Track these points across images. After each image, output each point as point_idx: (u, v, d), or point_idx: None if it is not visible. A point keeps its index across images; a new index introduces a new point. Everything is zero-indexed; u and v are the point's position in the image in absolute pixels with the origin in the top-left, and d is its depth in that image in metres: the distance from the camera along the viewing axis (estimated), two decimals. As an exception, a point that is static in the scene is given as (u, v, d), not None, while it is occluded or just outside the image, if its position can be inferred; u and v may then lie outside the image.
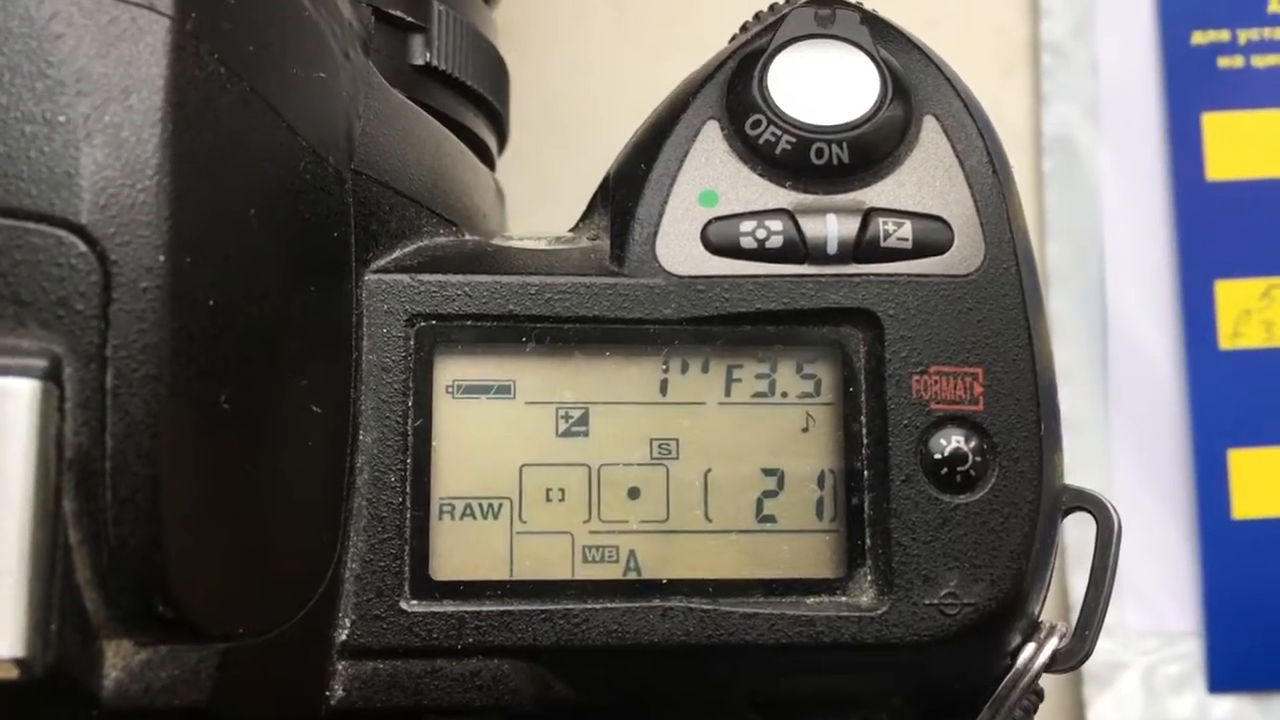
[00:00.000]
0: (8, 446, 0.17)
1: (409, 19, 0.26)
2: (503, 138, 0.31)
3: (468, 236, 0.25)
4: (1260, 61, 0.42)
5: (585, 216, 0.25)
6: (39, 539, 0.17)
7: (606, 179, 0.25)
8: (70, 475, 0.18)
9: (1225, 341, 0.41)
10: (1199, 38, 0.42)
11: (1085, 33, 0.42)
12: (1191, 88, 0.42)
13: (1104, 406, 0.41)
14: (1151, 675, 0.40)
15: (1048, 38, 0.42)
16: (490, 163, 0.30)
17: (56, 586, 0.17)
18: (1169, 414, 0.41)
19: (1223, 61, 0.42)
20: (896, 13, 0.26)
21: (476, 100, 0.28)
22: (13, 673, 0.17)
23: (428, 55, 0.26)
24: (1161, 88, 0.42)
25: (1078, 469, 0.41)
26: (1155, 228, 0.42)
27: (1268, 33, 0.42)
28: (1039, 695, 0.24)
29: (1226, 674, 0.40)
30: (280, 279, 0.20)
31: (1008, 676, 0.23)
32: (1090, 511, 0.24)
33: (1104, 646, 0.40)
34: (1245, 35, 0.42)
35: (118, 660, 0.18)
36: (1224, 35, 0.42)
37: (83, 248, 0.18)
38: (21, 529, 0.17)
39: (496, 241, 0.24)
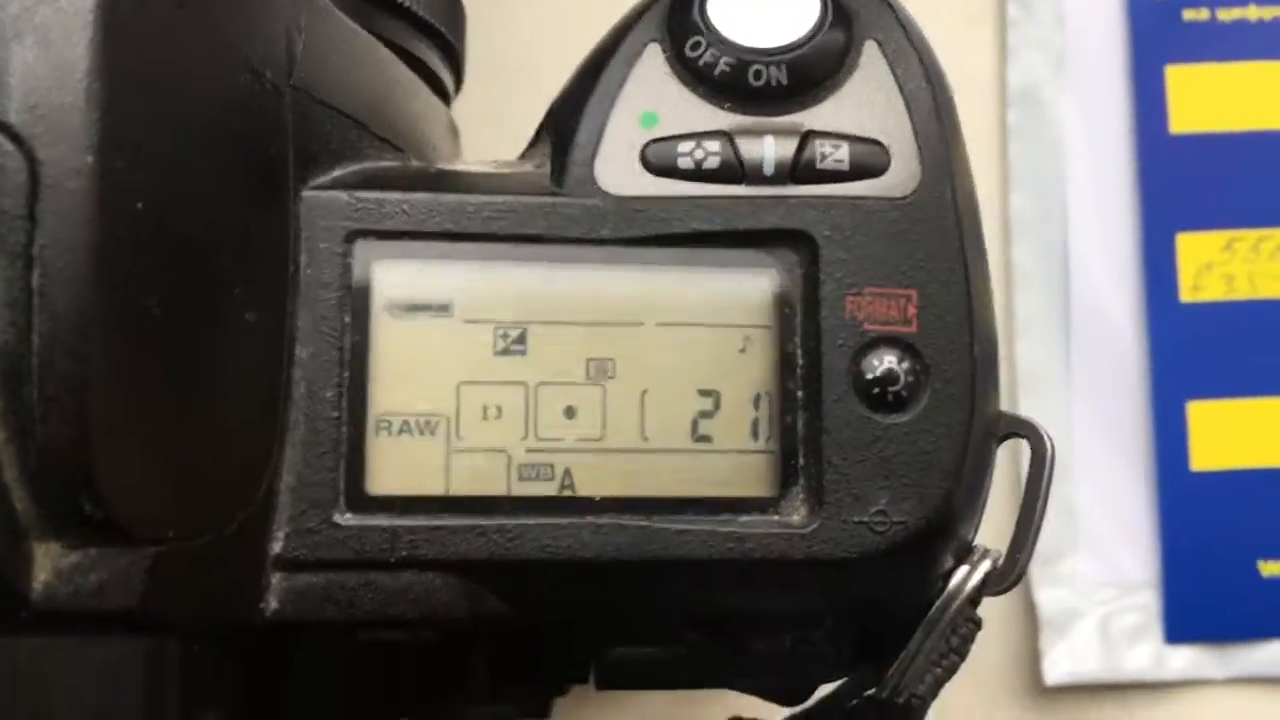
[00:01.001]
0: (-68, 341, 0.17)
1: (359, -54, 0.27)
2: (459, 74, 0.31)
3: (413, 162, 0.25)
4: (1225, 15, 0.42)
5: (531, 144, 0.25)
6: (-36, 436, 0.17)
7: (551, 107, 0.25)
8: None
9: (1186, 294, 0.41)
10: (1164, -10, 0.42)
11: (1051, -16, 0.42)
12: (1156, 40, 0.42)
13: (1065, 358, 0.42)
14: (1108, 625, 0.41)
15: (1014, -11, 0.42)
16: (445, 97, 0.30)
17: None
18: (1129, 366, 0.41)
19: (1188, 14, 0.42)
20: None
21: (430, 32, 0.29)
22: (-62, 568, 0.17)
23: (379, -16, 0.27)
24: (1126, 40, 0.42)
25: (1038, 419, 0.41)
26: (1118, 180, 0.42)
27: (1232, -14, 0.42)
28: (976, 623, 0.25)
29: (1183, 624, 0.41)
30: (214, 189, 0.20)
31: (941, 597, 0.23)
32: (1024, 436, 0.24)
33: (1060, 596, 0.41)
34: (1210, -12, 0.42)
35: (46, 562, 0.19)
36: (1189, -12, 0.42)
37: (10, 146, 0.18)
38: (-54, 425, 0.17)
39: (441, 165, 0.25)
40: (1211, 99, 0.42)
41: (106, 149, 0.18)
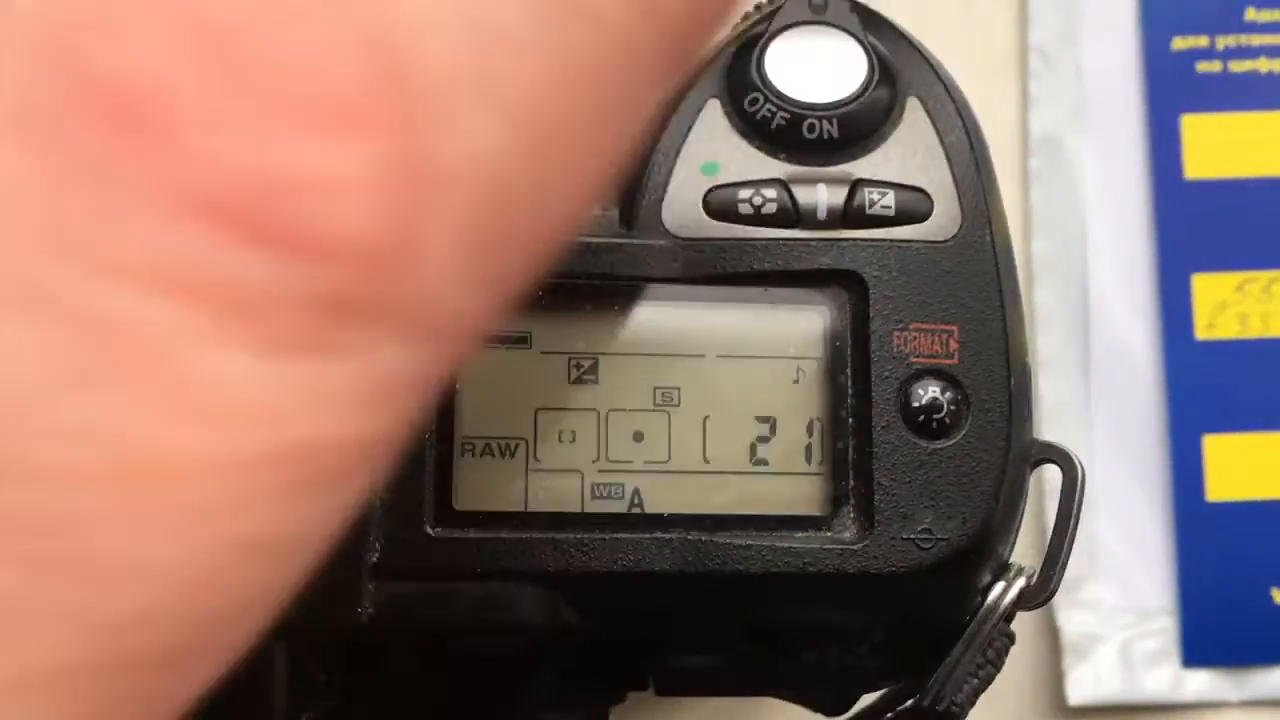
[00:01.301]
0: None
1: None
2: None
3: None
4: (1237, 66, 0.44)
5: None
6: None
7: (617, 155, 0.27)
8: None
9: (1201, 332, 0.43)
10: (1179, 43, 0.44)
11: (1071, 38, 0.45)
12: (1171, 91, 0.44)
13: (1086, 394, 0.44)
14: (1128, 649, 0.42)
15: (1035, 42, 0.45)
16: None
17: None
18: (1147, 401, 0.43)
19: (1201, 66, 0.44)
20: (893, 16, 0.28)
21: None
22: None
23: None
24: (1143, 91, 0.44)
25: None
26: (1136, 224, 0.44)
27: (1244, 39, 0.44)
28: (1010, 638, 0.27)
29: (1200, 649, 0.42)
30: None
31: (979, 611, 0.25)
32: (1057, 462, 0.26)
33: (1083, 620, 0.42)
34: (1223, 41, 0.44)
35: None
36: (1203, 41, 0.44)
37: None
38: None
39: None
40: (1224, 147, 0.44)
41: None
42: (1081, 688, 0.42)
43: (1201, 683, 0.42)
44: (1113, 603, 0.43)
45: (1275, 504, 0.43)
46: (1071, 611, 0.42)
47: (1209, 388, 0.43)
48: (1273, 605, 0.42)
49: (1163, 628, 0.42)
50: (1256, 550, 0.42)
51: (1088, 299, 0.44)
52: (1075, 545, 0.42)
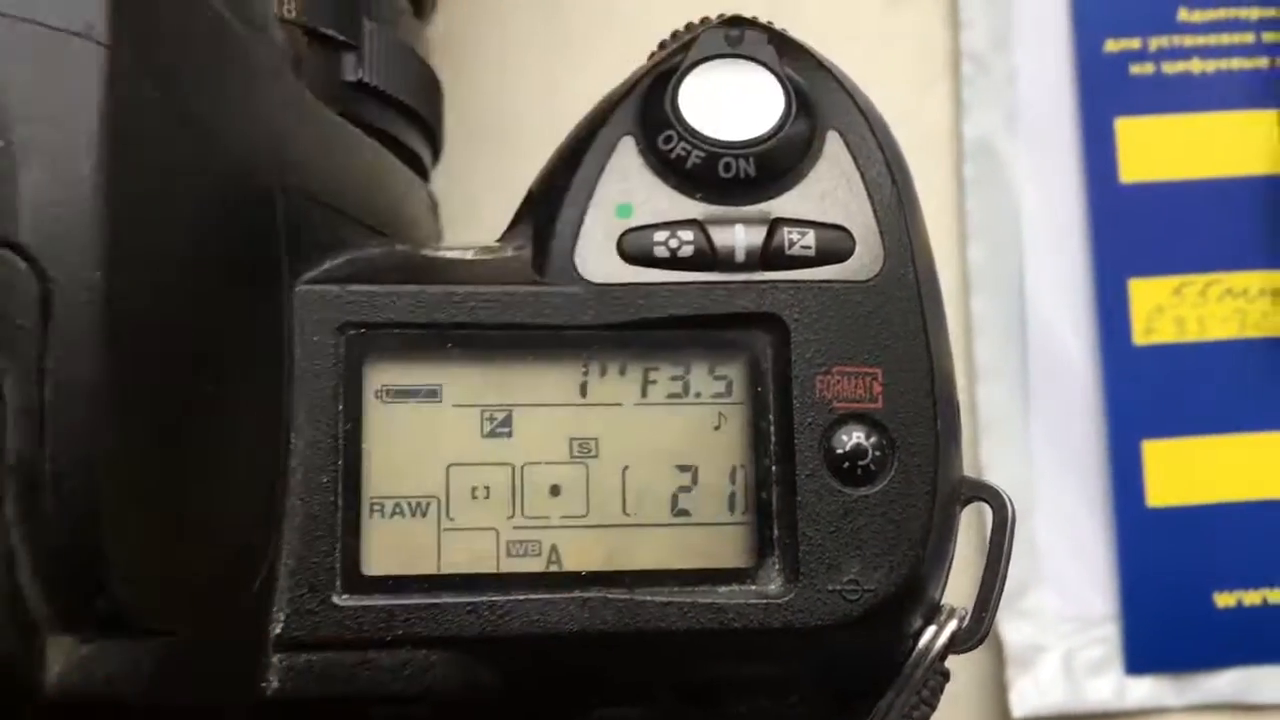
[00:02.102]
0: (-47, 454, 0.18)
1: (340, 37, 0.28)
2: (436, 150, 0.32)
3: (398, 246, 0.26)
4: (1170, 68, 0.44)
5: (511, 227, 0.26)
6: (-18, 540, 0.18)
7: (530, 192, 0.26)
8: (13, 481, 0.19)
9: (1139, 337, 0.43)
10: (1111, 45, 0.44)
11: (1003, 43, 0.44)
12: (1105, 94, 0.44)
13: (1024, 401, 0.43)
14: (1071, 658, 0.42)
15: (967, 48, 0.44)
16: (424, 174, 0.31)
17: (2, 586, 0.18)
18: (1086, 407, 0.43)
19: (1134, 69, 0.44)
20: (821, 25, 0.27)
21: (409, 114, 0.30)
22: (-40, 667, 0.18)
23: (360, 72, 0.28)
24: (1076, 95, 0.44)
25: (999, 461, 0.42)
26: (1072, 229, 0.43)
27: (1176, 40, 0.44)
28: (945, 675, 0.26)
29: (1143, 656, 0.42)
30: (214, 292, 0.21)
31: (911, 656, 0.25)
32: (986, 500, 0.25)
33: (1025, 630, 0.42)
34: (1155, 43, 0.44)
35: (59, 655, 0.19)
36: (1135, 43, 0.44)
37: (22, 265, 0.19)
38: (-34, 531, 0.18)
39: (425, 252, 0.26)
40: (1159, 149, 0.43)
41: (113, 264, 0.19)
42: (1025, 700, 0.42)
43: (1145, 690, 0.42)
44: (1055, 611, 0.42)
45: (1215, 508, 0.42)
46: (1014, 621, 0.42)
47: (1147, 393, 0.43)
48: (1215, 610, 0.42)
49: (1105, 635, 0.42)
50: (1197, 555, 0.42)
51: (1025, 305, 0.43)
52: (1017, 555, 0.42)
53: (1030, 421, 0.43)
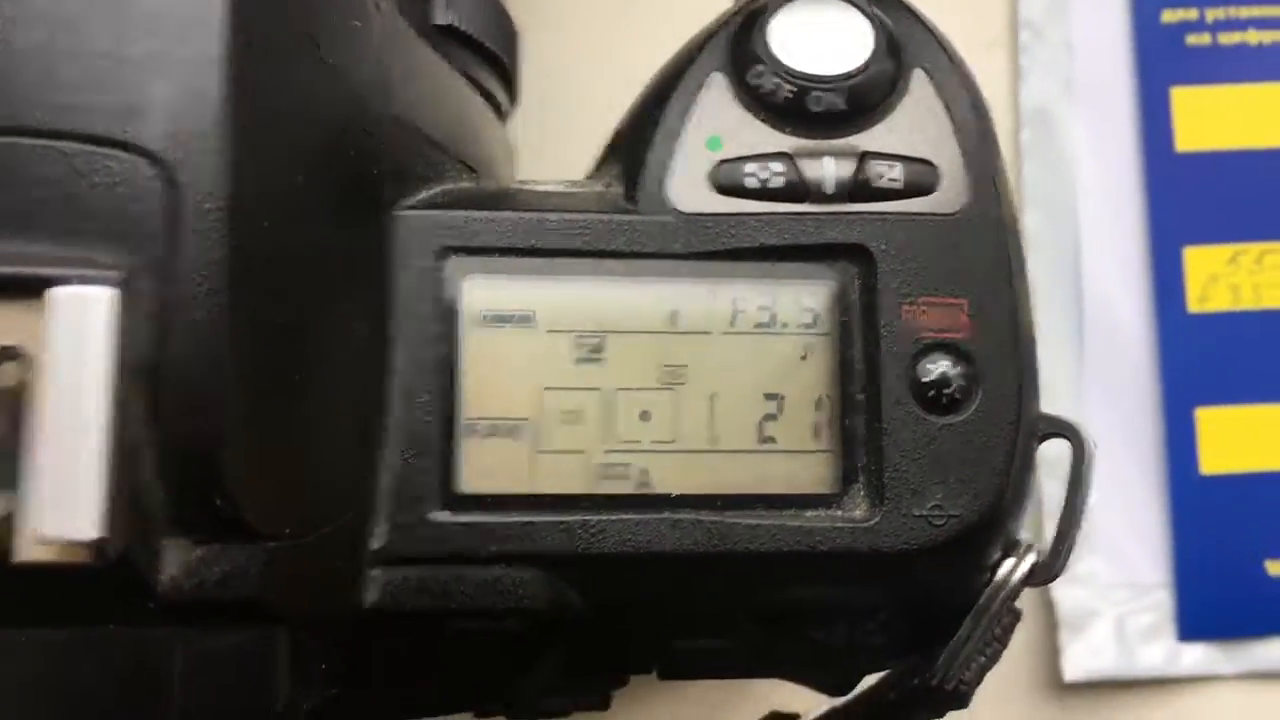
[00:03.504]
0: (86, 350, 0.18)
1: (432, -19, 0.28)
2: (514, 97, 0.33)
3: (486, 183, 0.26)
4: (1226, 39, 0.44)
5: (599, 166, 0.27)
6: (112, 437, 0.19)
7: (618, 131, 0.26)
8: (139, 379, 0.19)
9: (1194, 305, 0.43)
10: (1168, 16, 0.44)
11: (1060, 12, 0.44)
12: (1161, 64, 0.44)
13: (1078, 367, 0.43)
14: (1123, 624, 0.42)
15: (1025, 15, 0.44)
16: (502, 118, 0.32)
17: (126, 481, 0.19)
18: (1140, 374, 0.43)
19: (1191, 39, 0.44)
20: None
21: (491, 59, 0.30)
22: (86, 556, 0.19)
23: (449, 15, 0.28)
24: (1133, 64, 0.44)
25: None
26: (1127, 197, 0.44)
27: (1233, 11, 0.44)
28: (1016, 615, 0.26)
29: (1195, 622, 0.42)
30: (326, 208, 0.22)
31: (989, 587, 0.25)
32: (1066, 437, 0.26)
33: (1078, 595, 0.42)
34: (1212, 14, 0.44)
35: (175, 556, 0.20)
36: (1192, 14, 0.44)
37: (153, 172, 0.19)
38: (98, 427, 0.19)
39: (516, 185, 0.26)
40: (1214, 119, 0.44)
41: (239, 173, 0.20)
42: (1077, 663, 0.42)
43: (1197, 656, 0.42)
44: (1107, 577, 0.43)
45: (1268, 476, 0.42)
46: (1066, 587, 0.42)
47: (1201, 360, 0.43)
48: (1267, 577, 0.42)
49: (1157, 601, 0.42)
50: (1250, 523, 0.42)
51: (1080, 272, 0.44)
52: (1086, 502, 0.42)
53: (1084, 387, 0.43)
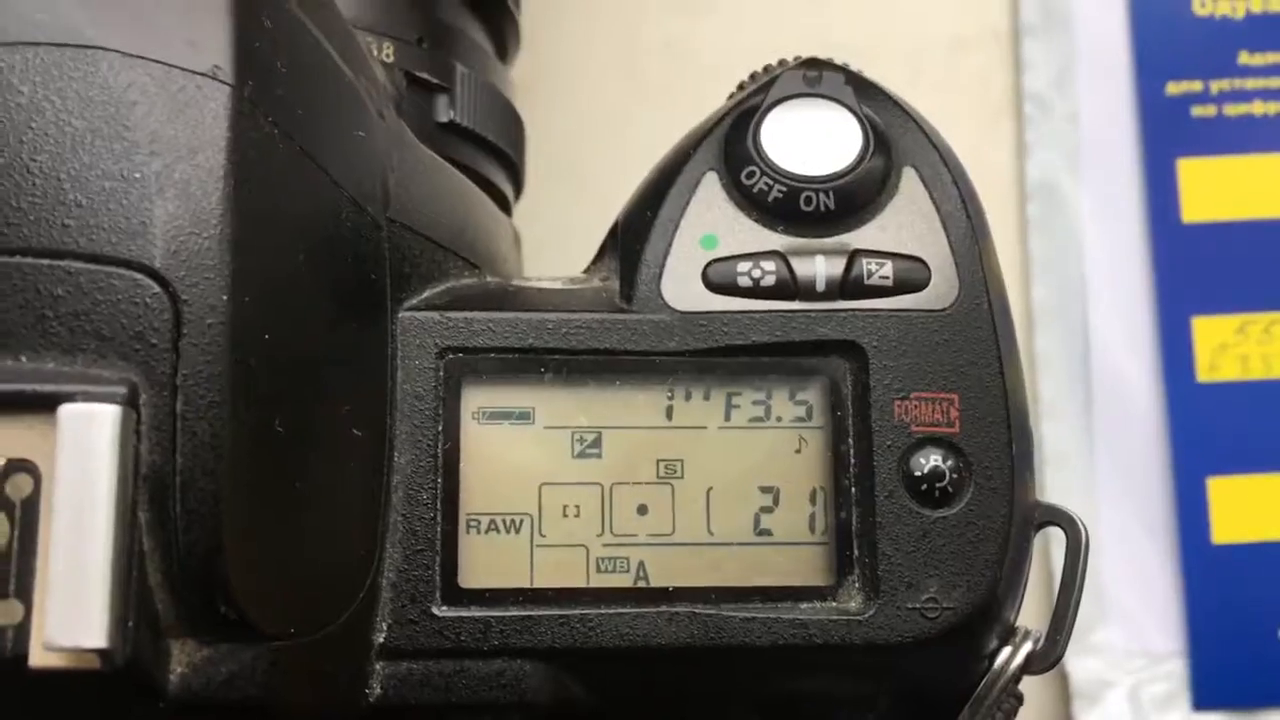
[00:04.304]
0: (94, 464, 0.19)
1: (434, 80, 0.29)
2: (519, 187, 0.34)
3: (489, 278, 0.27)
4: (1231, 110, 0.44)
5: (596, 259, 0.27)
6: (119, 546, 0.19)
7: (615, 225, 0.27)
8: (145, 489, 0.20)
9: (1203, 374, 0.43)
10: (1173, 88, 0.45)
11: (1065, 84, 0.45)
12: (1167, 135, 0.44)
13: (1089, 438, 0.44)
14: (1138, 694, 0.42)
15: (1030, 89, 0.45)
16: (508, 210, 0.32)
17: (133, 589, 0.20)
18: (1151, 444, 0.43)
19: (1196, 110, 0.44)
20: (885, 65, 0.28)
21: (495, 153, 0.31)
22: (95, 663, 0.19)
23: (451, 113, 0.29)
24: (1138, 136, 0.45)
25: (1065, 497, 0.43)
26: (1135, 268, 0.44)
27: (1238, 83, 0.44)
28: (1018, 699, 0.27)
29: (1210, 692, 0.42)
30: (326, 316, 0.22)
31: (986, 676, 0.25)
32: (1060, 525, 0.26)
33: (1092, 666, 0.42)
34: (1217, 86, 0.44)
35: (183, 657, 0.21)
36: (1197, 86, 0.45)
37: (156, 289, 0.20)
38: (105, 537, 0.19)
39: (516, 282, 0.27)
40: (1221, 190, 0.44)
41: (239, 287, 0.20)
42: (1092, 734, 0.42)
43: (1212, 726, 0.42)
44: (1122, 647, 0.43)
45: (1281, 545, 0.43)
46: (1081, 657, 0.42)
47: (1212, 430, 0.43)
48: (1281, 647, 0.42)
49: (1172, 671, 0.42)
50: (1264, 592, 0.42)
51: (1089, 344, 0.44)
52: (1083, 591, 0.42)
53: (1095, 458, 0.43)
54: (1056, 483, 0.43)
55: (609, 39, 0.44)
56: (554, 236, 0.38)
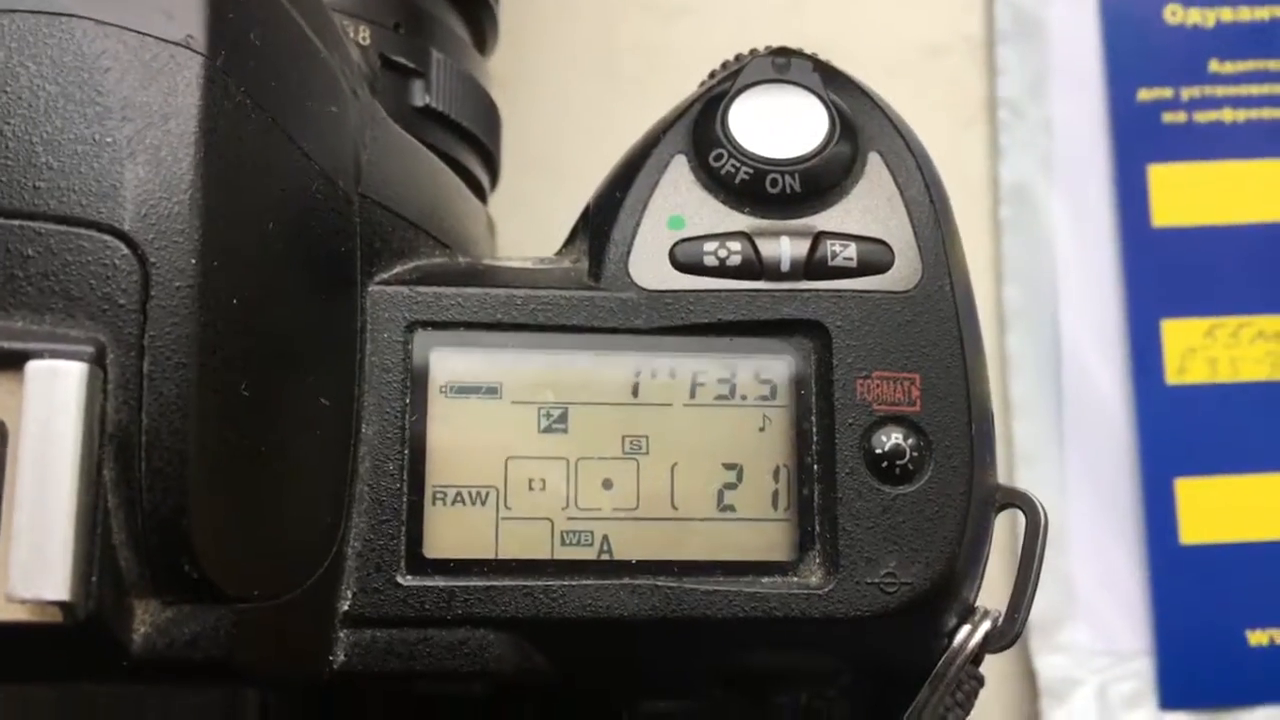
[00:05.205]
0: (59, 420, 0.19)
1: (410, 65, 0.29)
2: (494, 175, 0.34)
3: (460, 258, 0.27)
4: (1201, 117, 0.45)
5: (568, 242, 0.28)
6: (83, 502, 0.19)
7: (587, 208, 0.27)
8: (110, 448, 0.20)
9: (1172, 377, 0.44)
10: (1144, 95, 0.45)
11: (1039, 90, 0.46)
12: (1138, 141, 0.45)
13: (1059, 439, 0.44)
14: (1105, 692, 0.43)
15: (1004, 95, 0.46)
16: (483, 197, 0.33)
17: (97, 545, 0.20)
18: (1120, 446, 0.44)
19: (1167, 117, 0.45)
20: (860, 69, 0.28)
21: (470, 139, 0.31)
22: (57, 616, 0.19)
23: (427, 98, 0.29)
24: (1110, 141, 0.45)
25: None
26: (1105, 271, 0.45)
27: (1208, 90, 0.45)
28: (979, 680, 0.27)
29: (1177, 691, 0.43)
30: (295, 285, 0.23)
31: (945, 654, 0.26)
32: (1020, 507, 0.26)
33: (1060, 664, 0.43)
34: (1187, 93, 0.45)
35: (146, 616, 0.21)
36: (1167, 93, 0.45)
37: (125, 250, 0.20)
38: (69, 493, 0.19)
39: (487, 261, 0.27)
40: (1191, 195, 0.45)
41: (207, 252, 0.21)
42: (1059, 732, 0.42)
43: (1179, 725, 0.42)
44: (1089, 646, 0.43)
45: (1248, 546, 0.43)
46: (1048, 655, 0.43)
47: (1180, 432, 0.43)
48: (1247, 647, 0.42)
49: (1139, 670, 0.43)
50: (1230, 593, 0.43)
51: (1059, 345, 0.44)
52: (1051, 588, 0.43)
53: (1065, 458, 0.44)
54: (1026, 482, 0.43)
55: (587, 37, 0.45)
56: (531, 230, 0.38)
